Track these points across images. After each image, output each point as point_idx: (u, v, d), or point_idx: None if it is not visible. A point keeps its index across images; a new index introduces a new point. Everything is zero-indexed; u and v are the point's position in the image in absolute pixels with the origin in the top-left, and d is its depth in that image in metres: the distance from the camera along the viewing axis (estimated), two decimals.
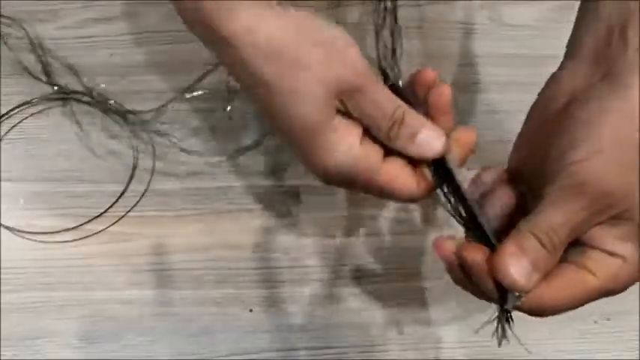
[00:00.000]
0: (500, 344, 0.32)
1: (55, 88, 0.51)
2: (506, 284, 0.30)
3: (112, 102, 0.51)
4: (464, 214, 0.33)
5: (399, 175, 0.34)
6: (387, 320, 0.46)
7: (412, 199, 0.35)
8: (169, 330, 0.45)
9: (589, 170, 0.29)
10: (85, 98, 0.51)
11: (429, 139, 0.33)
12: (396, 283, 0.47)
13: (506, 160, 0.53)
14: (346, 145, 0.33)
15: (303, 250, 0.48)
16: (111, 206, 0.48)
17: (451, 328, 0.46)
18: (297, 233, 0.48)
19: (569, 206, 0.30)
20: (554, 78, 0.34)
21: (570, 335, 0.46)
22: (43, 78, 0.51)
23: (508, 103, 0.53)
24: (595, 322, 0.47)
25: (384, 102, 0.33)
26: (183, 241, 0.48)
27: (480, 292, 0.32)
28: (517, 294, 0.30)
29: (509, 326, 0.32)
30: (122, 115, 0.51)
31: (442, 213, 0.49)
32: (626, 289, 0.31)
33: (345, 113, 0.33)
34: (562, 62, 0.34)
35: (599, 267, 0.30)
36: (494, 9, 0.56)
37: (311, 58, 0.31)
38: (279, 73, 0.31)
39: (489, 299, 0.32)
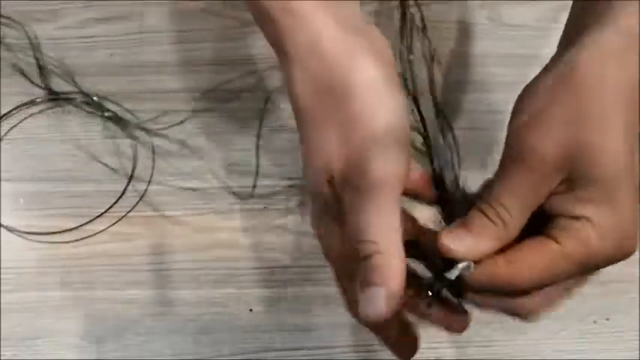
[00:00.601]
0: (428, 307, 0.31)
1: (57, 92, 0.51)
2: (445, 254, 0.29)
3: (108, 111, 0.51)
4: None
5: None
6: None
7: None
8: (169, 330, 0.45)
9: (527, 137, 0.29)
10: (84, 100, 0.51)
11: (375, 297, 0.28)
12: None
13: None
14: None
15: (303, 250, 0.48)
16: (111, 206, 0.48)
17: None
18: (297, 233, 0.48)
19: (512, 177, 0.29)
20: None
21: (570, 335, 0.46)
22: (40, 81, 0.51)
23: (508, 103, 0.52)
24: (594, 322, 0.47)
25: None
26: (183, 241, 0.48)
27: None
28: (462, 265, 0.29)
29: (460, 299, 0.31)
30: (120, 120, 0.51)
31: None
32: (610, 257, 0.30)
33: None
34: None
35: (563, 232, 0.29)
36: (494, 9, 0.56)
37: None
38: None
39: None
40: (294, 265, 0.47)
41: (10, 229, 0.47)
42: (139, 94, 0.51)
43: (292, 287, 0.47)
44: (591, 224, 0.29)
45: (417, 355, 0.45)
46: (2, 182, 0.49)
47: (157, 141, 0.50)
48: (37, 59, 0.52)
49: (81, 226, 0.47)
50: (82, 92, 0.51)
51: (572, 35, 0.31)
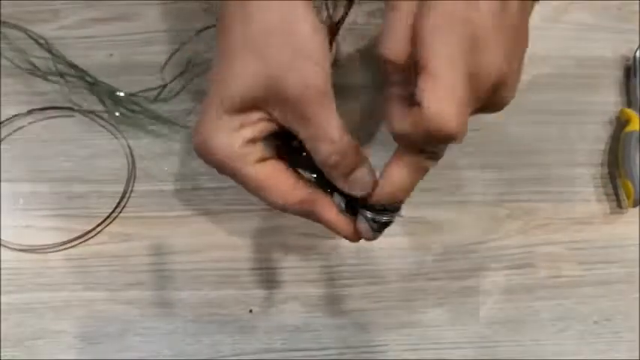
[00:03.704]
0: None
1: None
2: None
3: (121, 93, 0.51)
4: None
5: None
6: (386, 321, 0.46)
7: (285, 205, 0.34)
8: (169, 330, 0.45)
9: None
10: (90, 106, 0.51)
11: (363, 177, 0.33)
12: (396, 283, 0.47)
13: (507, 162, 0.53)
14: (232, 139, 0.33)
15: (303, 250, 0.48)
16: (116, 207, 0.48)
17: (450, 329, 0.46)
18: (297, 233, 0.48)
19: None
20: None
21: (570, 336, 0.46)
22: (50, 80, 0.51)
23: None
24: (595, 322, 0.47)
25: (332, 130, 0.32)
26: (183, 241, 0.48)
27: None
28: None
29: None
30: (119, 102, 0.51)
31: (439, 214, 0.49)
32: None
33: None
34: None
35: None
36: None
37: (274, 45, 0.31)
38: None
39: None
40: (294, 266, 0.47)
41: (8, 247, 0.47)
42: (138, 95, 0.51)
43: (292, 287, 0.47)
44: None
45: (416, 356, 0.45)
46: (2, 183, 0.49)
47: (157, 141, 0.50)
48: (52, 59, 0.52)
49: (82, 227, 0.47)
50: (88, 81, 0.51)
51: None
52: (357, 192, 0.34)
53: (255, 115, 0.33)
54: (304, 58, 0.31)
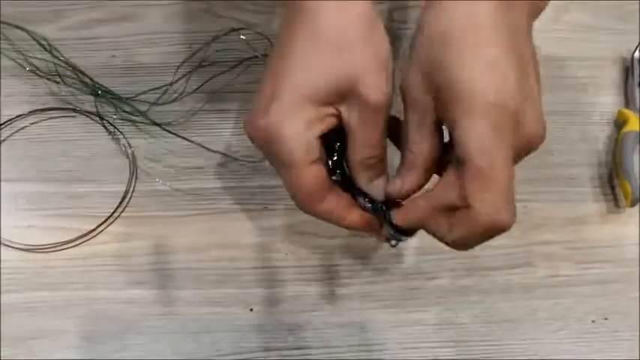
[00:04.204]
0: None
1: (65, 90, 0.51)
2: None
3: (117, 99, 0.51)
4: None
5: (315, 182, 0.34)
6: (387, 320, 0.46)
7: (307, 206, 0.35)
8: (170, 330, 0.45)
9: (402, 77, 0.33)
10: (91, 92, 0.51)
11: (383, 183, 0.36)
12: (396, 283, 0.47)
13: None
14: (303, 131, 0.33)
15: (303, 250, 0.48)
16: (118, 207, 0.48)
17: (450, 328, 0.46)
18: (297, 233, 0.48)
19: (405, 115, 0.34)
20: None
21: (568, 335, 0.46)
22: (53, 80, 0.51)
23: None
24: (593, 321, 0.47)
25: (378, 138, 0.34)
26: (183, 241, 0.48)
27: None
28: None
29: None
30: (119, 108, 0.51)
31: None
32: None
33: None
34: None
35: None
36: None
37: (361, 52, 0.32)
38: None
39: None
40: (294, 265, 0.47)
41: (10, 246, 0.47)
42: (140, 96, 0.52)
43: (292, 287, 0.47)
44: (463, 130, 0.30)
45: (416, 355, 0.46)
46: (2, 182, 0.49)
47: (157, 141, 0.51)
48: (55, 62, 0.52)
49: (84, 227, 0.48)
50: (96, 88, 0.51)
51: None
52: (375, 194, 0.36)
53: (327, 110, 0.33)
54: (383, 65, 0.32)
